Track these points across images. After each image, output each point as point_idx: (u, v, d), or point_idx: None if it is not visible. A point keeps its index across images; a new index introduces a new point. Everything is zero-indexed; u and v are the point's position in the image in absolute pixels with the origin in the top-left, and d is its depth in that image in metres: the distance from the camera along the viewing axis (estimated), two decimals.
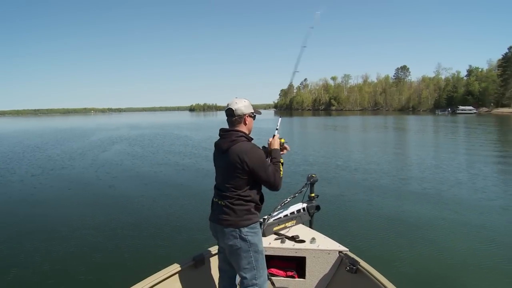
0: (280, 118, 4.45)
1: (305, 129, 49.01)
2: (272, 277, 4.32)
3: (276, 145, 3.68)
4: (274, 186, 3.37)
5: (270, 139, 3.75)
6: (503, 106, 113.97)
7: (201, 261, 4.07)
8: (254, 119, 3.56)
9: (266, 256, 3.83)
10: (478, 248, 7.44)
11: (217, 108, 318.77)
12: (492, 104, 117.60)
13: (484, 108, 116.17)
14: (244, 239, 3.33)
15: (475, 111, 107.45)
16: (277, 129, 4.06)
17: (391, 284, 3.52)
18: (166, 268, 3.86)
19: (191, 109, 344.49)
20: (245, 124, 3.46)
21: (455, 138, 33.70)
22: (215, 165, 3.56)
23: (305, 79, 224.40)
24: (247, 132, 3.47)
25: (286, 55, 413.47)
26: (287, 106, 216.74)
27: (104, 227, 9.08)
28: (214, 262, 4.12)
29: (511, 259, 6.85)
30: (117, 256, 7.25)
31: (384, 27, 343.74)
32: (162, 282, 3.71)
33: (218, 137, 3.49)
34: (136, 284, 3.53)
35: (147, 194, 12.46)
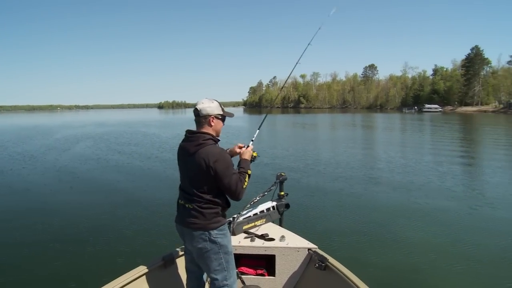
0: (258, 130, 4.45)
1: (274, 127, 48.95)
2: (242, 276, 4.32)
3: (247, 156, 3.67)
4: (235, 195, 3.32)
5: (243, 149, 3.76)
6: (466, 105, 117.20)
7: (171, 260, 4.06)
8: (223, 121, 3.49)
9: (236, 254, 3.99)
10: (445, 245, 7.56)
11: (186, 106, 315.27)
12: (456, 102, 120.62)
13: (449, 106, 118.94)
14: (214, 242, 3.32)
15: (440, 109, 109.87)
16: (252, 140, 4.09)
17: (359, 280, 3.56)
18: (135, 269, 3.80)
19: (160, 106, 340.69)
20: (211, 125, 3.37)
21: (422, 136, 34.33)
22: (180, 167, 3.50)
23: (274, 77, 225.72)
24: (214, 134, 3.39)
25: (256, 51, 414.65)
26: (256, 104, 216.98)
27: (68, 230, 8.74)
28: (184, 261, 4.12)
29: (474, 256, 7.01)
30: (84, 259, 7.05)
31: (352, 25, 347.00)
32: (132, 283, 3.66)
33: (184, 138, 3.44)
34: (105, 286, 3.45)
35: (113, 194, 12.15)
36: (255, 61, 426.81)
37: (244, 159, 3.63)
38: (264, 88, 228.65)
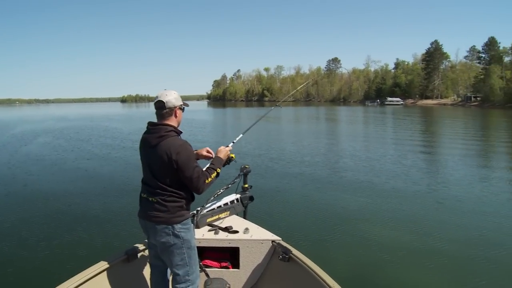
0: (241, 135, 4.43)
1: (238, 120, 49.14)
2: (206, 269, 4.30)
3: (223, 155, 3.68)
4: (195, 188, 3.29)
5: (222, 147, 3.75)
6: (427, 98, 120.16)
7: (134, 255, 4.02)
8: (183, 112, 3.48)
9: (200, 247, 4.09)
10: (408, 238, 7.64)
11: (149, 99, 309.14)
12: (417, 96, 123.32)
13: (410, 99, 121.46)
14: (177, 236, 3.29)
15: (402, 102, 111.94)
16: (233, 142, 4.13)
17: (322, 271, 3.61)
18: (97, 264, 3.72)
19: (123, 100, 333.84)
20: (176, 117, 3.37)
21: (385, 129, 34.93)
22: (142, 160, 3.45)
23: (238, 70, 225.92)
24: (176, 126, 3.38)
25: (220, 44, 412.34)
26: (220, 97, 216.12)
27: (27, 225, 8.52)
28: (147, 256, 4.08)
29: (437, 248, 7.11)
30: (45, 254, 6.94)
31: (316, 19, 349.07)
32: (93, 279, 3.59)
33: (146, 131, 3.40)
34: (67, 281, 3.38)
35: (73, 190, 11.84)
36: (219, 54, 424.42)
37: (218, 157, 3.64)
38: (228, 82, 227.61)
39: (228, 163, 3.85)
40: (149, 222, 3.32)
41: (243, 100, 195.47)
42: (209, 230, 4.47)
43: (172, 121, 3.35)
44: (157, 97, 3.35)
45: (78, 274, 3.50)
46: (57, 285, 3.31)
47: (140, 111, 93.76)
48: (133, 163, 15.88)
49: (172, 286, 3.48)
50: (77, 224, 8.51)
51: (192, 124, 39.22)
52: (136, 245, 4.15)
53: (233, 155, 3.85)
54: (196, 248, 3.52)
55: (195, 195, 3.43)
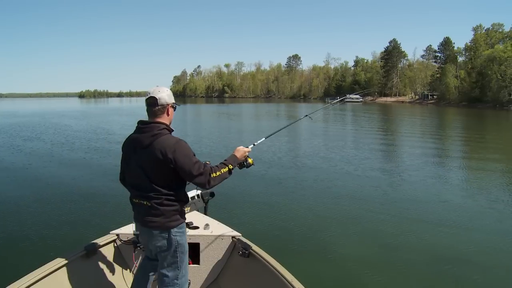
0: (264, 139, 4.20)
1: (199, 117, 49.31)
2: None
3: (239, 155, 3.56)
4: (201, 183, 3.19)
5: (240, 147, 3.64)
6: (385, 95, 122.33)
7: (93, 250, 3.99)
8: (174, 111, 3.37)
9: None
10: (363, 232, 7.93)
11: (108, 95, 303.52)
12: (376, 93, 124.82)
13: (369, 97, 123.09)
14: (172, 240, 3.23)
15: (361, 100, 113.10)
16: (254, 144, 3.97)
17: (281, 266, 3.68)
18: (55, 260, 3.64)
19: (81, 95, 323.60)
20: (168, 115, 3.27)
21: (344, 126, 35.68)
22: (127, 162, 3.31)
23: (199, 66, 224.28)
24: (168, 124, 3.27)
25: (180, 39, 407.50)
26: (180, 93, 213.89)
27: None
28: (107, 251, 4.17)
29: (396, 245, 7.33)
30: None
31: (276, 15, 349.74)
32: (50, 275, 3.50)
33: (135, 130, 3.25)
34: (23, 277, 3.30)
35: (23, 188, 11.69)
36: (179, 49, 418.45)
37: (234, 154, 3.53)
38: (188, 78, 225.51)
39: (247, 167, 3.69)
40: (145, 227, 3.26)
41: (203, 96, 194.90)
42: None
43: (164, 119, 3.24)
44: (148, 93, 3.23)
45: (33, 272, 3.39)
46: (9, 283, 3.19)
47: (98, 107, 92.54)
48: (83, 160, 16.28)
49: (158, 287, 3.41)
50: (32, 220, 8.42)
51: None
52: (96, 240, 4.11)
53: (251, 160, 3.71)
54: (187, 252, 3.45)
55: (188, 198, 3.46)
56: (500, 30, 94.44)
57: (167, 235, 3.20)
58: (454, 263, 6.53)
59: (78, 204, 9.73)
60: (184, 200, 3.34)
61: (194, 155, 3.20)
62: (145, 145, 3.11)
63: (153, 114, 3.21)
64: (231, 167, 3.37)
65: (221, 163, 3.35)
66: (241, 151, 3.58)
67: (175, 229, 3.22)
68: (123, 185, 3.49)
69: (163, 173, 3.10)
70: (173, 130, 3.28)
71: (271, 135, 4.34)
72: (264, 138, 4.21)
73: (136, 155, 3.20)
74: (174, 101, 3.31)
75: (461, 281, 6.03)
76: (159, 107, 3.18)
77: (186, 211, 4.25)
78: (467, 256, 6.83)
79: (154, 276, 3.60)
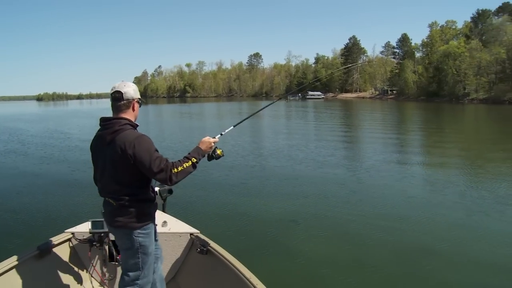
0: (232, 127, 3.93)
1: (160, 118, 49.01)
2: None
3: (204, 146, 3.34)
4: (163, 179, 3.04)
5: (205, 138, 3.40)
6: (346, 91, 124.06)
7: (47, 250, 3.90)
8: (140, 107, 3.29)
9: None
10: (322, 228, 7.85)
11: (68, 97, 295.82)
12: (337, 89, 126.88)
13: (330, 93, 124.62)
14: (134, 241, 3.17)
15: (323, 96, 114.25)
16: (221, 134, 3.70)
17: (239, 263, 3.69)
18: (7, 260, 3.56)
19: (39, 98, 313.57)
20: (133, 110, 3.20)
21: (307, 123, 35.95)
22: (94, 160, 3.27)
23: (159, 66, 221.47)
24: (133, 120, 3.19)
25: (140, 40, 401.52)
26: (141, 94, 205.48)
27: None
28: (62, 250, 4.09)
29: (357, 240, 7.24)
30: None
31: (236, 13, 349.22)
32: (2, 276, 3.44)
33: (100, 127, 3.18)
34: None
35: None
36: (139, 49, 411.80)
37: (198, 147, 3.32)
38: (149, 78, 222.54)
39: (216, 158, 3.47)
40: (110, 226, 3.26)
41: (165, 97, 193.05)
42: None
43: (129, 115, 3.15)
44: (114, 87, 3.14)
45: None
46: None
47: (57, 110, 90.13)
48: (40, 161, 16.17)
49: (119, 285, 3.35)
50: None
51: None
52: (50, 239, 4.01)
53: (220, 151, 3.47)
54: (153, 254, 3.38)
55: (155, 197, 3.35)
56: (454, 27, 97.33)
57: (130, 236, 3.14)
58: (419, 258, 6.48)
59: (31, 204, 9.59)
60: (152, 200, 3.26)
61: (157, 150, 3.08)
62: (107, 142, 3.04)
63: (117, 109, 3.13)
64: (195, 160, 3.19)
65: (184, 157, 3.19)
66: (206, 142, 3.36)
67: (139, 230, 3.15)
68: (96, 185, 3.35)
69: (125, 171, 3.01)
70: (137, 126, 3.20)
71: (240, 122, 4.11)
72: (232, 127, 3.98)
73: (101, 153, 3.15)
74: (139, 97, 3.24)
75: (426, 276, 5.96)
76: (124, 101, 3.11)
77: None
78: (431, 250, 6.78)
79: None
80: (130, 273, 3.26)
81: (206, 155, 3.40)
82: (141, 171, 3.02)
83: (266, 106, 4.95)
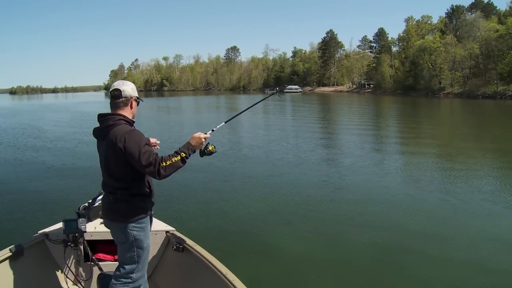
0: (223, 123, 3.94)
1: (138, 112, 46.84)
2: (100, 262, 4.20)
3: (194, 142, 3.34)
4: (152, 173, 3.10)
5: (196, 134, 3.39)
6: (324, 85, 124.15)
7: (20, 252, 3.83)
8: (138, 105, 3.41)
9: (93, 241, 4.17)
10: (299, 224, 7.93)
11: (42, 91, 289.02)
12: (315, 83, 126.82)
13: (308, 87, 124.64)
14: (129, 235, 3.22)
15: (300, 90, 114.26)
16: (213, 130, 3.68)
17: (215, 259, 3.70)
18: None
19: (12, 91, 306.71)
20: (131, 108, 3.29)
21: (285, 117, 36.50)
22: (99, 154, 3.35)
23: (136, 59, 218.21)
24: (130, 117, 3.28)
25: (116, 32, 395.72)
26: None
27: None
28: (36, 252, 4.03)
29: (336, 238, 7.31)
30: None
31: (213, 6, 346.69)
32: None
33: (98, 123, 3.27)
34: None
35: None
36: (115, 42, 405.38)
37: (188, 142, 3.33)
38: (126, 71, 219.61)
39: (208, 154, 3.46)
40: (106, 219, 3.36)
41: (142, 90, 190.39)
42: (102, 223, 4.14)
43: (126, 112, 3.24)
44: (113, 86, 3.25)
45: None
46: None
47: (31, 104, 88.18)
48: (7, 157, 15.82)
49: (113, 278, 3.36)
50: None
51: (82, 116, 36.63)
52: (23, 241, 3.97)
53: (212, 147, 3.46)
54: (148, 249, 3.44)
55: (153, 192, 3.40)
56: (429, 22, 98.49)
57: (124, 229, 3.20)
58: (399, 256, 6.55)
59: (1, 204, 9.39)
60: (146, 194, 3.31)
61: (147, 144, 3.16)
62: (102, 137, 3.17)
63: (115, 106, 3.23)
64: (184, 155, 3.22)
65: (174, 151, 3.23)
66: (196, 138, 3.36)
67: (133, 224, 3.20)
68: None
69: (118, 165, 3.11)
70: (134, 122, 3.28)
71: (231, 119, 4.16)
72: (223, 123, 3.99)
73: (99, 148, 3.30)
74: (137, 95, 3.34)
75: (406, 273, 6.01)
76: (123, 99, 3.21)
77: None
78: (412, 247, 6.82)
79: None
80: (126, 266, 3.31)
81: (198, 151, 3.40)
82: (132, 164, 3.08)
83: (260, 101, 4.90)
